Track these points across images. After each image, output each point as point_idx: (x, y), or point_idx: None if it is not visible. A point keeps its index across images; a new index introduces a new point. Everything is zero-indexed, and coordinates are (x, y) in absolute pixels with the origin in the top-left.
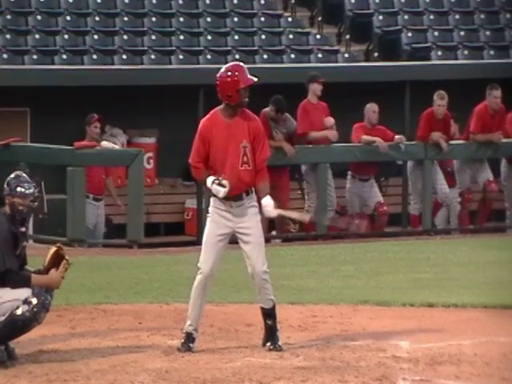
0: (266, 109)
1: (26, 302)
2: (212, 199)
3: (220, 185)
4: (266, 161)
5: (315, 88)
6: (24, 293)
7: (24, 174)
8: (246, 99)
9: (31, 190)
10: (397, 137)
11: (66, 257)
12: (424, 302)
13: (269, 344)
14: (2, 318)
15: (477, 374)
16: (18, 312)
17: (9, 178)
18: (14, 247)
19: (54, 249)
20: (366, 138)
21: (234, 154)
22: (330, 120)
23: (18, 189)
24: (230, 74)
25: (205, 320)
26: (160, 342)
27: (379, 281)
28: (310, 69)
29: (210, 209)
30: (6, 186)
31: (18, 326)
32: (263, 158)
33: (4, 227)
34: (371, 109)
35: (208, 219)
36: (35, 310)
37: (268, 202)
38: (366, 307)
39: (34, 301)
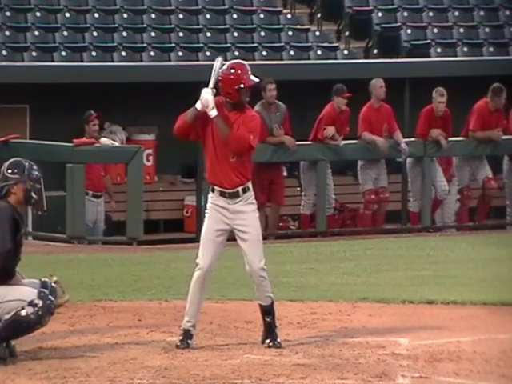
0: (256, 108)
1: (32, 303)
2: (209, 195)
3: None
4: (245, 141)
5: (339, 101)
6: (30, 294)
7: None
8: (247, 99)
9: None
10: (402, 146)
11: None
12: (423, 299)
13: (268, 341)
14: (7, 317)
15: (476, 371)
16: (23, 313)
17: (16, 165)
18: (15, 234)
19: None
20: (366, 135)
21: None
22: (329, 131)
23: (35, 173)
24: (232, 71)
25: (204, 317)
26: (159, 339)
27: (379, 278)
28: (309, 65)
29: (208, 205)
30: (14, 173)
31: (22, 326)
32: (244, 130)
33: (8, 211)
34: (378, 84)
35: (206, 215)
36: (40, 313)
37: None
38: (365, 304)
39: (40, 304)
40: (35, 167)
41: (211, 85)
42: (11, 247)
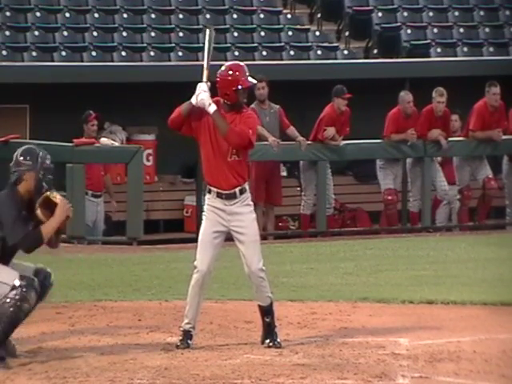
0: (252, 105)
1: (14, 287)
2: (206, 197)
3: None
4: (245, 136)
5: (339, 102)
6: (12, 277)
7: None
8: (245, 100)
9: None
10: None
11: (54, 194)
12: (423, 299)
13: (268, 341)
14: None
15: (476, 371)
16: (8, 300)
17: (29, 152)
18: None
19: (41, 199)
20: (395, 137)
21: (223, 144)
22: (329, 132)
23: (47, 162)
24: (230, 72)
25: (204, 317)
26: (159, 339)
27: (378, 278)
28: (309, 65)
29: (205, 207)
30: (27, 160)
31: (12, 311)
32: (240, 127)
33: (11, 202)
34: (406, 99)
35: (203, 217)
36: (24, 290)
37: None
38: (365, 304)
39: (23, 282)
40: (48, 157)
41: (205, 78)
42: (19, 236)
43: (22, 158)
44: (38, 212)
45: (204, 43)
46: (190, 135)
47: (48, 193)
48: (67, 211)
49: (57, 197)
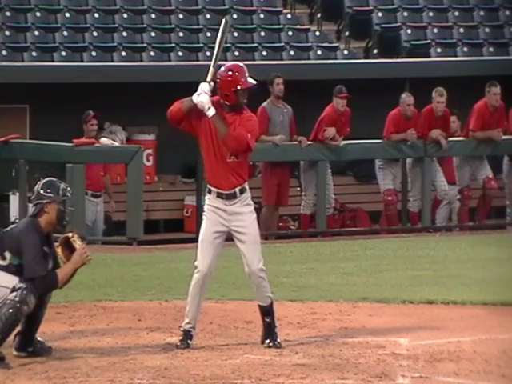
0: (263, 104)
1: (14, 289)
2: (206, 197)
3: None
4: (243, 140)
5: (337, 102)
6: (12, 281)
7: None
8: (245, 100)
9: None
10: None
11: (75, 238)
12: (423, 299)
13: (268, 341)
14: None
15: (476, 371)
16: (7, 302)
17: (50, 185)
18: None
19: (63, 239)
20: (395, 137)
21: (223, 145)
22: (329, 132)
23: (68, 195)
24: (229, 73)
25: (204, 317)
26: (159, 339)
27: (378, 278)
28: (309, 66)
29: (205, 207)
30: (48, 192)
31: (11, 313)
32: (242, 129)
33: (35, 235)
34: (406, 101)
35: (203, 217)
36: (24, 292)
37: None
38: (365, 304)
39: (23, 285)
40: (69, 189)
41: (209, 77)
42: (41, 272)
43: (42, 191)
44: (59, 251)
45: (217, 37)
46: (188, 132)
47: (70, 234)
48: (84, 259)
49: (77, 242)
